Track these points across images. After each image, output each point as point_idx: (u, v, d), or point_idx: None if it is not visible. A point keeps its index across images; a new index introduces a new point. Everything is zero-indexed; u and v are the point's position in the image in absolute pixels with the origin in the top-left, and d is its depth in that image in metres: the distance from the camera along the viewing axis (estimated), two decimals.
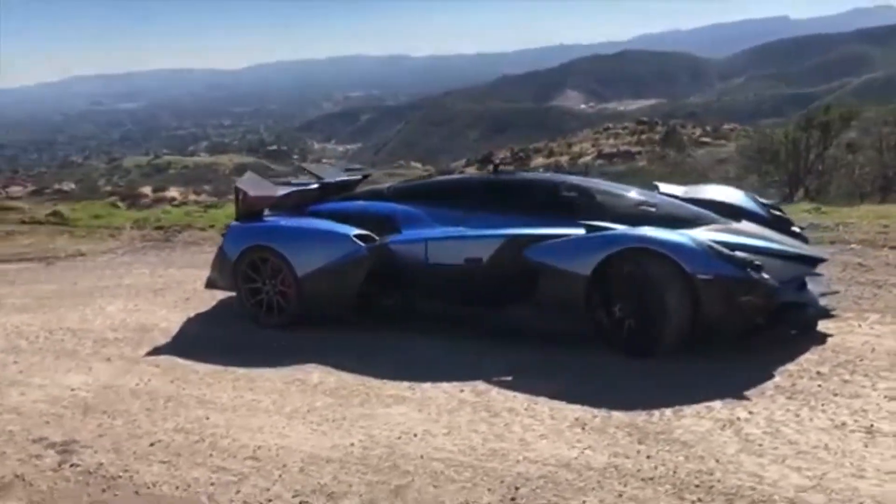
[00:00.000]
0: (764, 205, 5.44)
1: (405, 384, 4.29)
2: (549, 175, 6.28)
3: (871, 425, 3.42)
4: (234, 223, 5.89)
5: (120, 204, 13.58)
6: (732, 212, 5.24)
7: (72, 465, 3.60)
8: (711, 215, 5.10)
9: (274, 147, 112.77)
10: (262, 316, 5.53)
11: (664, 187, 5.80)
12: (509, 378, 4.26)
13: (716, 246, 4.32)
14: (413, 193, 5.67)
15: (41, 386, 4.69)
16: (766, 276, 4.30)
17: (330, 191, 6.21)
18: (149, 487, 3.35)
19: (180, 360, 4.99)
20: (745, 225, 5.05)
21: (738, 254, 4.32)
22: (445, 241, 5.09)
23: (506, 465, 3.31)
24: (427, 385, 4.25)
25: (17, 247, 10.32)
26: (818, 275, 5.22)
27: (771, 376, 4.02)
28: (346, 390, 4.29)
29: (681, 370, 4.19)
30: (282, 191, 6.14)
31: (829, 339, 4.48)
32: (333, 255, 5.26)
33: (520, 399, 3.98)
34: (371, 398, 4.16)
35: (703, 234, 4.57)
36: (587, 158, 54.70)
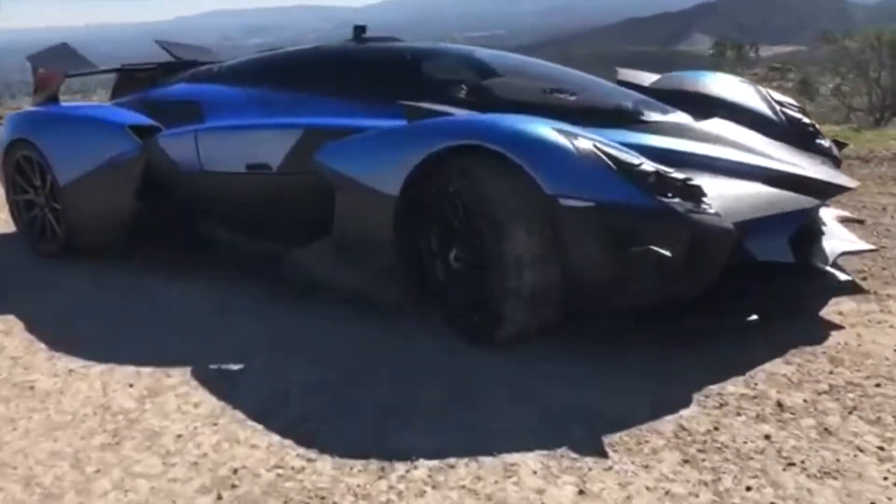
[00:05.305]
0: (776, 104, 3.25)
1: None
2: (435, 45, 4.17)
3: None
4: (18, 111, 4.25)
5: None
6: (715, 106, 3.15)
7: None
8: (664, 107, 3.04)
9: None
10: (35, 239, 3.90)
11: (624, 73, 3.69)
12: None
13: (614, 150, 2.30)
14: (245, 71, 3.80)
15: None
16: (707, 206, 2.27)
17: (173, 72, 4.40)
18: None
19: None
20: (715, 123, 2.95)
21: (649, 165, 2.28)
22: (219, 134, 3.24)
23: None
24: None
25: None
26: (857, 221, 3.15)
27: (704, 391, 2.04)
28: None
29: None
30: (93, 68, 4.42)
31: (832, 337, 2.40)
32: (101, 156, 3.51)
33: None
34: None
35: (611, 134, 2.54)
36: None
